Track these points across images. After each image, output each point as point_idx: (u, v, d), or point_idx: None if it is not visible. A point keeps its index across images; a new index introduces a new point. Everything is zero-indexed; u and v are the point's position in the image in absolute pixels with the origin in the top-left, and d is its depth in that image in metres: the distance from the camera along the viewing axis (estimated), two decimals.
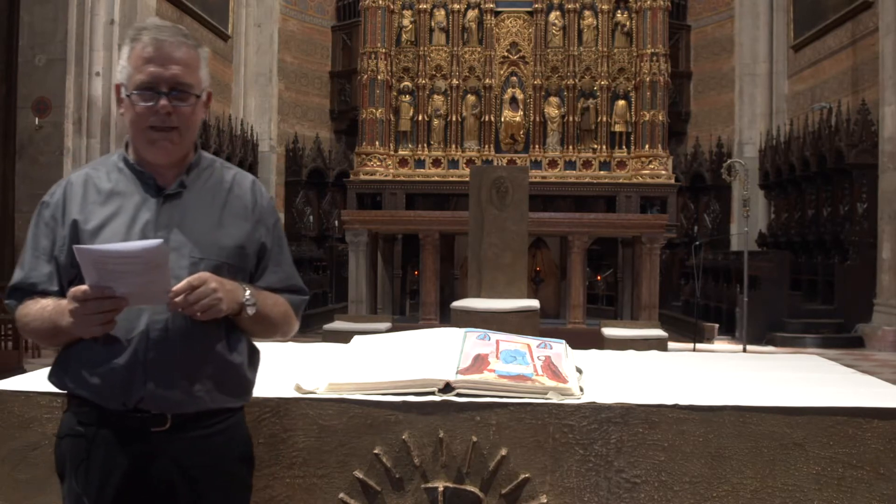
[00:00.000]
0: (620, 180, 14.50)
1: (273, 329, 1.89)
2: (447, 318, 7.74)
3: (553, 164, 14.78)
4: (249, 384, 1.88)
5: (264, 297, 1.82)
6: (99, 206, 1.80)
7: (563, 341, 2.37)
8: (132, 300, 1.66)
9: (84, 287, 1.63)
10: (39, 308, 1.77)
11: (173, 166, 1.83)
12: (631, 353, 3.02)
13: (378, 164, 14.64)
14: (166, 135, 1.78)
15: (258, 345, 1.94)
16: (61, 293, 1.74)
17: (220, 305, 1.69)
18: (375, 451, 2.06)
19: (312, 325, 11.67)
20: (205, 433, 1.77)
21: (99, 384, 1.72)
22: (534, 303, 7.09)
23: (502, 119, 14.99)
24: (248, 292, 1.77)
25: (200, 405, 1.75)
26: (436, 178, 14.74)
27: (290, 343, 2.93)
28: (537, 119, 14.86)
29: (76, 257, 1.63)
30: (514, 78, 15.08)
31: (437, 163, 14.88)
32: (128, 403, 1.72)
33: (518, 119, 14.97)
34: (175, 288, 1.66)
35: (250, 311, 1.76)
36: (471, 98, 14.97)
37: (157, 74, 1.75)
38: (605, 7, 14.77)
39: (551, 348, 2.28)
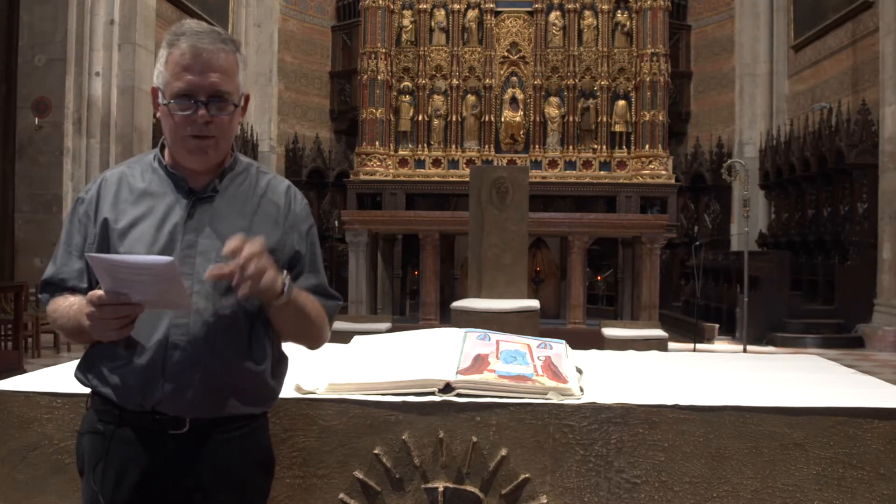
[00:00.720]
0: (620, 180, 14.50)
1: (308, 326, 1.84)
2: (447, 318, 7.74)
3: (553, 164, 14.78)
4: (272, 392, 1.85)
5: (298, 291, 1.78)
6: (130, 206, 1.79)
7: (564, 341, 2.37)
8: (148, 306, 1.66)
9: (100, 292, 1.63)
10: (67, 305, 1.78)
11: (208, 171, 1.82)
12: (631, 353, 3.02)
13: (378, 164, 14.64)
14: (204, 144, 1.76)
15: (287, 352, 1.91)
16: (91, 290, 1.73)
17: (271, 272, 1.64)
18: (375, 452, 2.06)
19: None
20: (223, 438, 1.76)
21: (118, 384, 1.72)
22: (534, 303, 7.09)
23: (502, 119, 15.00)
24: (284, 273, 1.73)
25: (218, 411, 1.74)
26: (436, 179, 14.75)
27: (290, 343, 2.92)
28: (537, 119, 14.86)
29: (90, 264, 1.64)
30: (515, 78, 15.09)
31: (437, 163, 14.88)
32: (145, 405, 1.71)
33: (518, 119, 14.97)
34: (234, 249, 1.60)
35: (288, 291, 1.71)
36: (471, 98, 14.97)
37: (196, 83, 1.72)
38: (605, 7, 14.78)
39: (551, 348, 2.28)
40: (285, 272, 1.73)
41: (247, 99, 1.84)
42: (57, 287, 1.82)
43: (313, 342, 1.91)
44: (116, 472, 1.73)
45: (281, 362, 1.88)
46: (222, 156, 1.82)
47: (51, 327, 6.92)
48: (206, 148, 1.77)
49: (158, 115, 1.80)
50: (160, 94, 1.77)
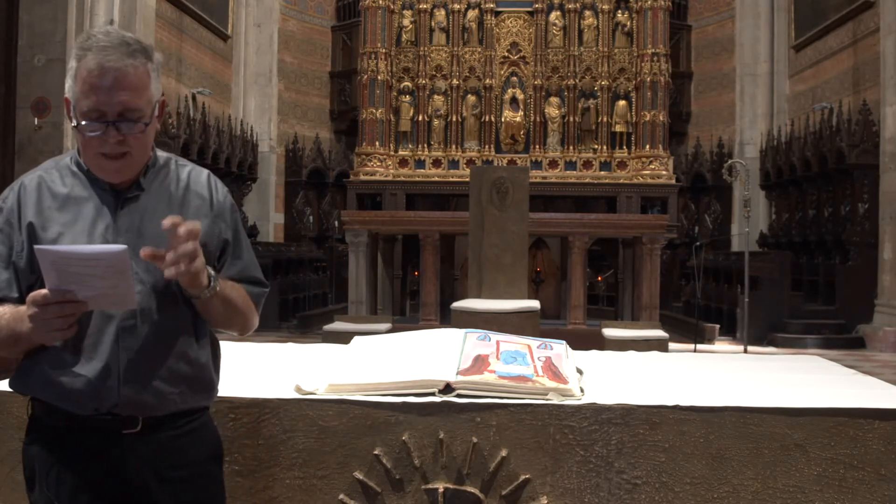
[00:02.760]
0: (621, 181, 14.49)
1: (235, 314, 1.84)
2: (447, 318, 7.74)
3: (553, 164, 14.77)
4: (215, 383, 1.89)
5: (224, 281, 1.79)
6: (56, 212, 1.75)
7: (564, 342, 2.37)
8: (94, 304, 1.62)
9: (44, 291, 1.58)
10: None
11: None
12: (631, 353, 3.01)
13: (378, 164, 14.63)
14: (118, 164, 1.73)
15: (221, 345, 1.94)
16: (21, 299, 1.69)
17: (199, 263, 1.65)
18: (375, 452, 2.06)
19: (312, 326, 11.68)
20: (175, 433, 1.77)
21: (70, 391, 1.70)
22: (534, 303, 7.08)
23: (503, 119, 14.99)
24: (210, 269, 1.74)
25: (172, 406, 1.75)
26: (436, 179, 14.74)
27: (290, 344, 2.93)
28: (538, 119, 14.85)
29: (37, 258, 1.59)
30: (515, 78, 15.08)
31: (437, 163, 14.87)
32: (101, 409, 1.70)
33: (518, 119, 14.96)
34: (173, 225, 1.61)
35: (214, 283, 1.72)
36: (471, 98, 14.96)
37: (104, 103, 1.68)
38: (605, 7, 14.77)
39: (552, 349, 2.28)
40: (210, 268, 1.73)
41: (162, 105, 1.80)
42: None
43: (241, 330, 1.91)
44: (72, 478, 1.72)
45: (218, 352, 1.90)
46: (140, 167, 1.78)
47: None
48: (120, 168, 1.74)
49: (73, 124, 1.76)
50: (72, 109, 1.73)
